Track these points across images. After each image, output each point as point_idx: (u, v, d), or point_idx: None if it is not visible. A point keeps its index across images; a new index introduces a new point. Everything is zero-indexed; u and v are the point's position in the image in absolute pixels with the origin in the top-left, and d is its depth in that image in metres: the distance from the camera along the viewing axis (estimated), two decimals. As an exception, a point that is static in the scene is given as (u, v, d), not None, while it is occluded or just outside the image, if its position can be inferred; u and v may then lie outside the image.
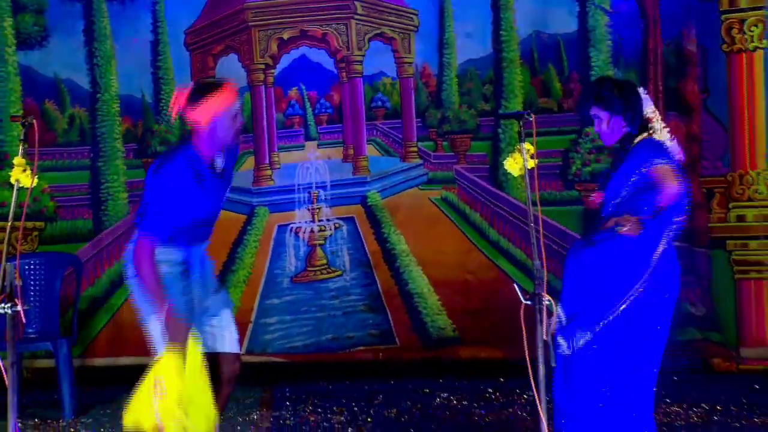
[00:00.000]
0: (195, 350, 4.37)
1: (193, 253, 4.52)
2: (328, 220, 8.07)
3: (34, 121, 4.61)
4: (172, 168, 4.37)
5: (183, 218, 4.38)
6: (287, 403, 7.00)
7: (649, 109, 4.77)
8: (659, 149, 4.65)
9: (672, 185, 4.53)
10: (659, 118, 4.81)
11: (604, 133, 4.76)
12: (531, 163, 4.51)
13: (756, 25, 7.53)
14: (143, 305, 4.48)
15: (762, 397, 6.67)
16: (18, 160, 4.50)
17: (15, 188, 4.52)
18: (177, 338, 4.33)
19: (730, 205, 7.62)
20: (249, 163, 8.14)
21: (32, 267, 7.09)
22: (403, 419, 6.38)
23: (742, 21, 7.56)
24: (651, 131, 4.75)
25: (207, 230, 4.59)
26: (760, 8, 7.52)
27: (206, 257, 4.64)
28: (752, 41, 7.54)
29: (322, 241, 8.06)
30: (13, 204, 4.49)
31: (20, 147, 4.53)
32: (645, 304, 4.63)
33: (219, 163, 4.51)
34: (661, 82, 7.73)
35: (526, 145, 4.52)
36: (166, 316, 4.34)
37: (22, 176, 4.49)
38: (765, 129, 7.51)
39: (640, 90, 4.79)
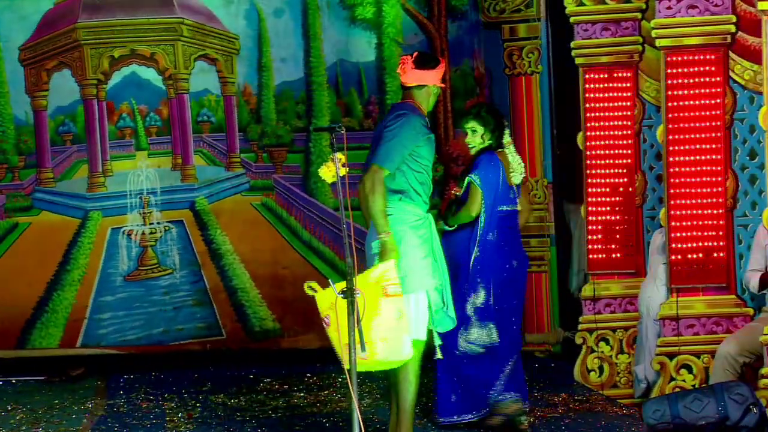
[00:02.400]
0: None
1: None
2: (158, 223, 7.93)
3: None
4: (409, 116, 4.62)
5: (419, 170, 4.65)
6: (121, 392, 6.82)
7: (507, 133, 5.50)
8: (484, 163, 5.32)
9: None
10: (511, 141, 5.52)
11: (474, 143, 5.33)
12: (343, 171, 4.55)
13: (532, 52, 7.80)
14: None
15: (540, 375, 6.93)
16: None
17: None
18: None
19: (514, 208, 7.87)
20: (83, 170, 7.90)
21: None
22: (229, 403, 6.31)
23: (521, 48, 7.82)
24: (503, 148, 5.41)
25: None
26: (534, 38, 7.79)
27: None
28: (530, 66, 7.81)
29: (153, 243, 7.91)
30: None
31: None
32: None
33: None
34: (450, 104, 7.95)
35: (339, 155, 4.56)
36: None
37: None
38: (542, 142, 7.79)
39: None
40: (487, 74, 7.93)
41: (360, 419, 4.43)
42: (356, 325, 4.42)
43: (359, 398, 4.48)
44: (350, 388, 4.42)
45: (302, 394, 6.50)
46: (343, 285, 4.35)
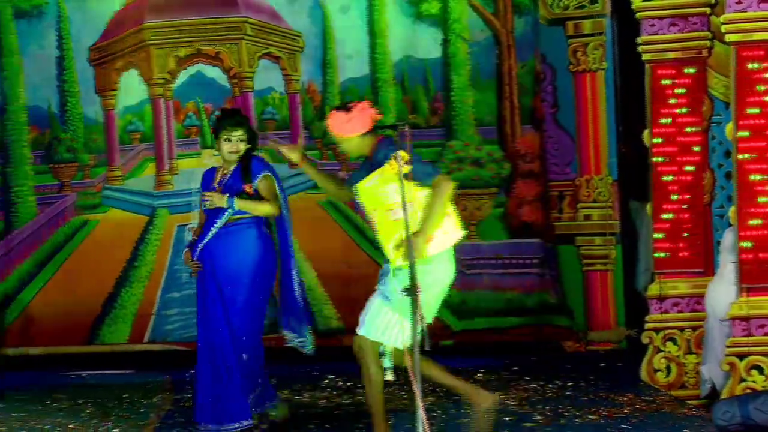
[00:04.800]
0: None
1: None
2: (224, 220, 7.98)
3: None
4: None
5: None
6: (187, 387, 6.87)
7: None
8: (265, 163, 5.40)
9: None
10: None
11: (243, 147, 5.28)
12: (406, 169, 4.54)
13: (597, 49, 7.71)
14: None
15: (606, 374, 6.85)
16: (-68, 166, 4.33)
17: (-70, 192, 4.35)
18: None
19: (578, 206, 7.80)
20: (150, 168, 8.01)
21: (-54, 265, 6.84)
22: (293, 399, 6.34)
23: (585, 45, 7.74)
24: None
25: None
26: (599, 34, 7.71)
27: None
28: (594, 63, 7.73)
29: (218, 240, 7.96)
30: (-73, 207, 4.32)
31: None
32: None
33: None
34: (517, 100, 7.89)
35: (402, 153, 4.56)
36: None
37: (-64, 181, 4.32)
38: (607, 139, 7.71)
39: None
40: (551, 71, 7.85)
41: (424, 417, 4.42)
42: (419, 322, 4.41)
43: (423, 396, 4.47)
44: (414, 386, 4.41)
45: (365, 390, 6.50)
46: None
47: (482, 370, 7.03)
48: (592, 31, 7.72)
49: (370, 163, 4.74)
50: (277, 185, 5.31)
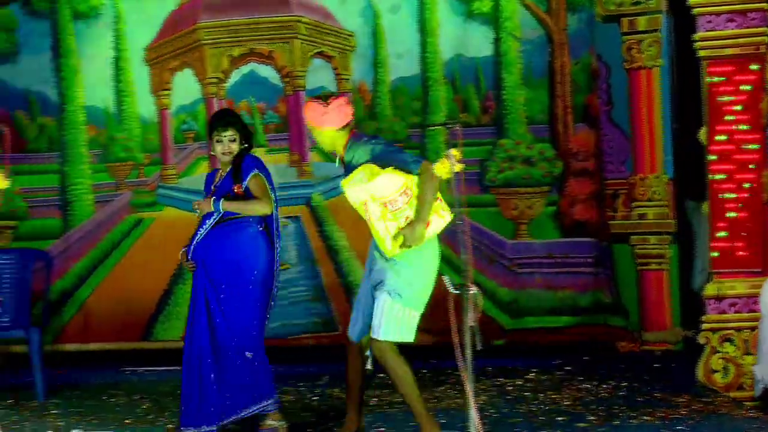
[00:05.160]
0: None
1: None
2: (276, 218, 8.02)
3: (6, 129, 4.53)
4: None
5: None
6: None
7: None
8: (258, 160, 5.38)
9: None
10: None
11: (236, 148, 5.28)
12: (458, 167, 4.55)
13: (652, 45, 7.62)
14: None
15: (661, 375, 6.77)
16: (-9, 165, 4.41)
17: (-11, 190, 4.43)
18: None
19: (633, 205, 7.71)
20: (204, 167, 8.06)
21: (5, 262, 6.96)
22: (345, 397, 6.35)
23: (640, 41, 7.65)
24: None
25: None
26: (655, 30, 7.62)
27: None
28: (650, 59, 7.64)
29: (270, 238, 8.01)
30: (-13, 205, 4.40)
31: (-7, 153, 4.45)
32: None
33: None
34: (570, 98, 7.82)
35: (453, 151, 4.57)
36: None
37: (-5, 179, 4.40)
38: (662, 137, 7.61)
39: None
40: (605, 68, 7.77)
41: (476, 416, 4.40)
42: (471, 321, 4.40)
43: (475, 395, 4.45)
44: (465, 384, 4.40)
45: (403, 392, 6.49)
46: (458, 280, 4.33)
47: (534, 370, 6.98)
48: (647, 28, 7.63)
49: (344, 161, 4.82)
50: (268, 183, 5.27)
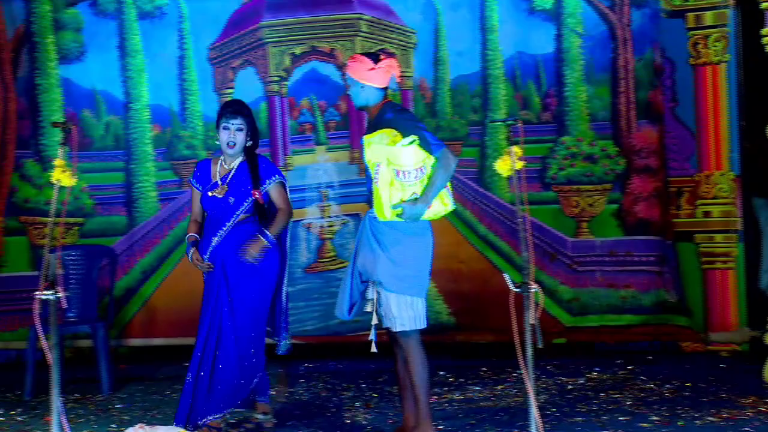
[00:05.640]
0: None
1: None
2: (336, 216, 8.06)
3: (73, 127, 4.61)
4: None
5: None
6: (301, 380, 6.99)
7: None
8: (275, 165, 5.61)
9: None
10: None
11: (241, 140, 5.31)
12: (519, 165, 4.54)
13: (719, 41, 7.49)
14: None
15: (727, 375, 6.65)
16: (59, 161, 4.49)
17: (56, 188, 4.51)
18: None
19: (698, 203, 7.59)
20: (265, 164, 8.12)
21: (72, 258, 7.09)
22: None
23: (706, 37, 7.53)
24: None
25: None
26: (722, 26, 7.50)
27: None
28: (716, 55, 7.51)
29: (331, 236, 8.05)
30: (54, 202, 4.48)
31: (60, 150, 4.53)
32: None
33: None
34: (633, 94, 7.72)
35: (515, 149, 4.57)
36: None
37: (62, 176, 4.48)
38: (728, 134, 7.48)
39: None
40: (670, 64, 7.66)
41: (537, 415, 4.37)
42: (532, 320, 4.37)
43: (535, 394, 4.42)
44: (526, 383, 4.37)
45: (477, 388, 6.48)
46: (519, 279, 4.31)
47: (596, 369, 6.92)
48: (714, 23, 7.50)
49: (373, 123, 4.92)
50: (287, 190, 5.37)
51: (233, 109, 5.35)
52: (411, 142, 4.69)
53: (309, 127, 8.18)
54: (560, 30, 7.81)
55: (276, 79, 8.15)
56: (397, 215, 4.76)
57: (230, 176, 5.33)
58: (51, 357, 4.36)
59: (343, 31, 8.10)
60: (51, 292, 4.33)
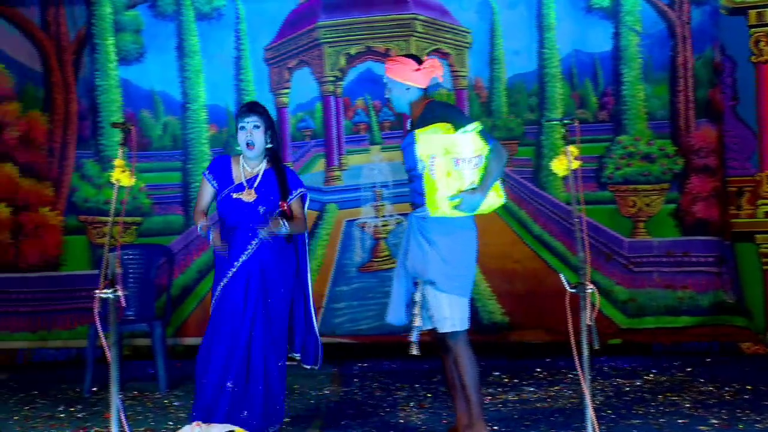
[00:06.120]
0: None
1: None
2: (390, 215, 8.06)
3: (132, 127, 4.67)
4: None
5: None
6: (355, 379, 7.00)
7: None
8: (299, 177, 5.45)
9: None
10: None
11: (260, 140, 5.22)
12: (575, 164, 4.52)
13: (781, 38, 7.39)
14: None
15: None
16: (118, 161, 4.55)
17: (116, 187, 4.57)
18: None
19: (759, 203, 7.48)
20: (320, 164, 8.16)
21: (131, 257, 7.17)
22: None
23: (768, 34, 7.42)
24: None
25: None
26: (784, 23, 7.38)
27: None
28: (778, 53, 7.40)
29: (385, 235, 8.06)
30: (114, 201, 4.54)
31: (120, 150, 4.59)
32: None
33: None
34: (692, 93, 7.61)
35: (571, 148, 4.55)
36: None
37: (122, 176, 4.54)
38: (791, 133, 7.36)
39: None
40: (730, 62, 7.53)
41: (593, 416, 4.33)
42: (587, 320, 4.33)
43: (591, 395, 4.38)
44: (582, 384, 4.33)
45: (532, 389, 6.43)
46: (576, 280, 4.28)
47: (653, 371, 6.83)
48: (776, 20, 7.38)
49: (418, 123, 4.87)
50: (307, 204, 5.34)
51: (247, 107, 5.29)
52: (473, 129, 4.67)
53: (364, 127, 8.19)
54: (618, 28, 7.74)
55: (331, 79, 8.17)
56: (455, 206, 4.71)
57: (257, 181, 5.26)
58: (110, 355, 4.42)
59: (399, 32, 8.10)
60: (110, 290, 4.39)
